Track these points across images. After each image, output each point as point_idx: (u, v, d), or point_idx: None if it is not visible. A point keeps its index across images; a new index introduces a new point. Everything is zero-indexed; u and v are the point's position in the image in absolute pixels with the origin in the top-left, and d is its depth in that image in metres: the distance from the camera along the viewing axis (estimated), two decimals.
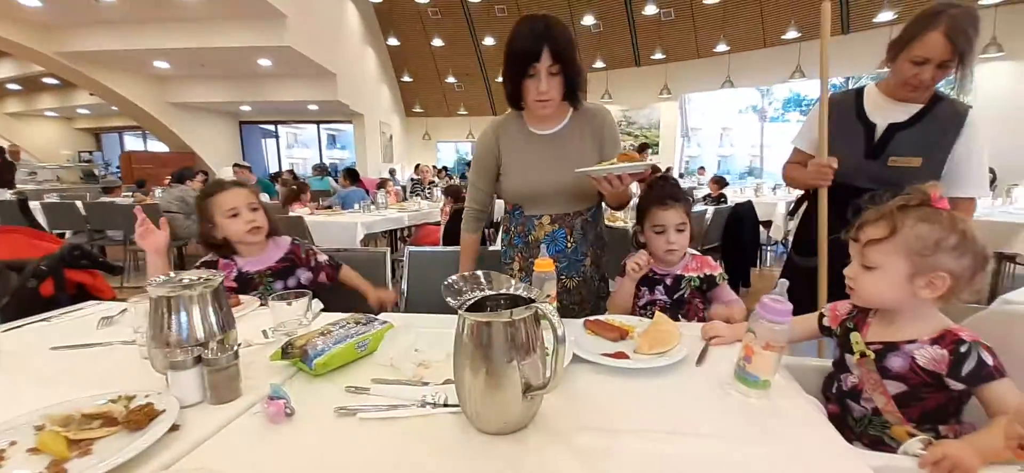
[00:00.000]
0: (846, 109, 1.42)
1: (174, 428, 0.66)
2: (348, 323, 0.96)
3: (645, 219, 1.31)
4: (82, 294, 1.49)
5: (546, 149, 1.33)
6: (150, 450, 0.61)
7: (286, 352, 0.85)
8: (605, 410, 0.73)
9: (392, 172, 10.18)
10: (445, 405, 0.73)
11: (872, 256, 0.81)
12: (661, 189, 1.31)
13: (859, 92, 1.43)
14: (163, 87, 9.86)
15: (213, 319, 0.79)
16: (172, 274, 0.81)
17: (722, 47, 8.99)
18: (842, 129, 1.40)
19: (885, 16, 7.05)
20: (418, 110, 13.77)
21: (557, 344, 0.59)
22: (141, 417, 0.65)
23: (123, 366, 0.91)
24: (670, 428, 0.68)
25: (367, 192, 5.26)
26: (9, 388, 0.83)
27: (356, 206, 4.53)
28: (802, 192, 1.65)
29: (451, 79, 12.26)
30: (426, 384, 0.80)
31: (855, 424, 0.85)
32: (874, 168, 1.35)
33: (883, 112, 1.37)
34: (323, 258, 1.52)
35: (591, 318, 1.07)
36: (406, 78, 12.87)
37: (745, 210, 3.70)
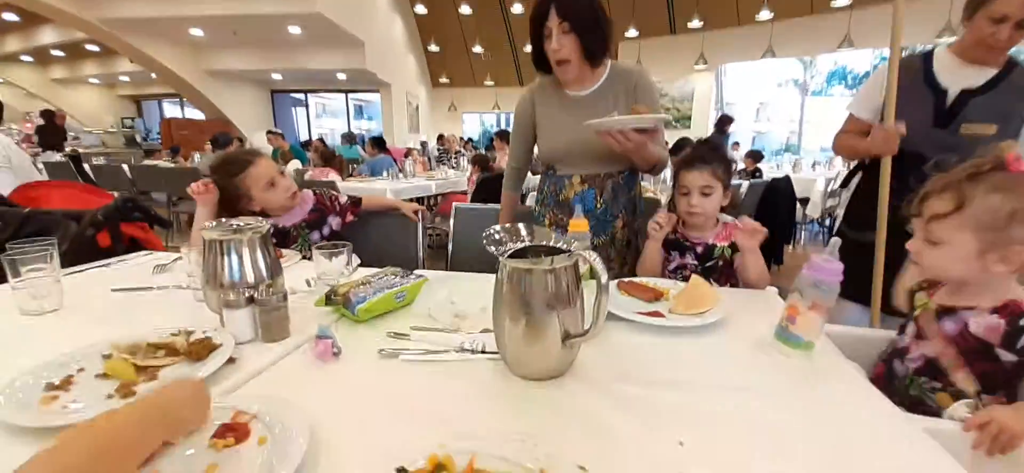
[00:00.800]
0: (913, 73, 1.33)
1: (231, 361, 0.70)
2: (387, 275, 0.99)
3: (676, 182, 1.29)
4: (134, 247, 1.58)
5: (578, 110, 1.33)
6: (211, 378, 0.65)
7: (330, 299, 0.88)
8: (642, 364, 0.73)
9: (424, 144, 10.26)
10: (483, 352, 0.74)
11: (937, 231, 0.77)
12: (693, 151, 1.28)
13: (927, 55, 1.34)
14: (198, 55, 10.07)
15: (262, 264, 0.82)
16: (223, 220, 0.84)
17: (765, 14, 8.51)
18: (908, 94, 1.30)
19: None
20: (444, 81, 13.66)
21: (600, 291, 0.60)
22: (201, 349, 0.69)
23: (178, 308, 0.96)
24: (709, 383, 0.68)
25: (395, 160, 5.32)
26: (74, 324, 0.90)
27: (385, 173, 4.60)
28: (855, 163, 1.57)
29: (478, 49, 12.08)
30: (465, 334, 0.82)
31: (897, 383, 0.83)
32: (943, 136, 1.27)
33: (955, 76, 1.28)
34: (344, 199, 1.62)
35: (625, 279, 1.06)
36: (433, 48, 12.74)
37: (782, 185, 3.57)
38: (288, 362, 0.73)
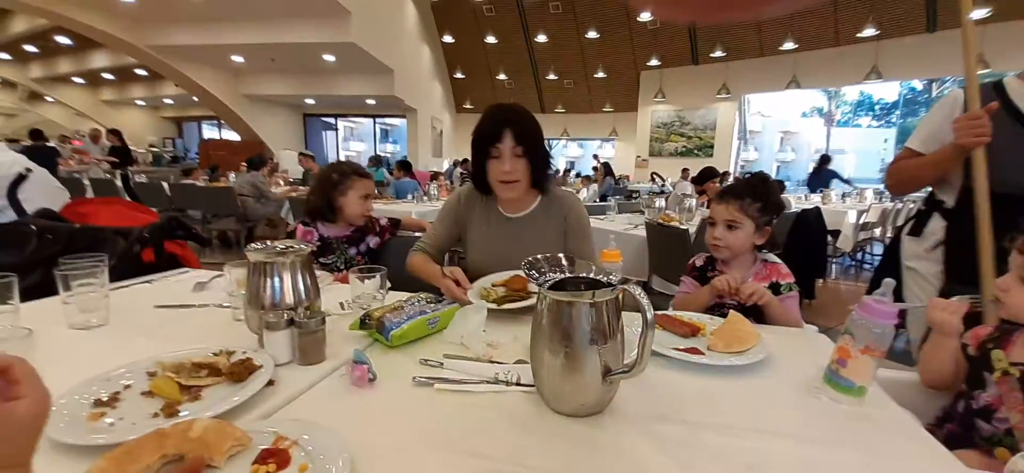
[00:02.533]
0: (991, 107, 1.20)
1: (270, 383, 0.70)
2: (419, 300, 0.99)
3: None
4: (172, 263, 1.63)
5: (512, 231, 1.35)
6: (250, 400, 0.65)
7: (364, 323, 0.89)
8: (682, 403, 0.71)
9: (456, 162, 10.52)
10: (518, 384, 0.73)
11: None
12: (729, 185, 1.28)
13: (998, 87, 1.26)
14: (237, 80, 10.59)
15: (302, 286, 0.84)
16: (268, 243, 0.86)
17: (789, 45, 8.49)
18: (994, 129, 1.17)
19: (978, 13, 6.38)
20: (468, 106, 13.99)
21: (645, 328, 0.58)
22: (242, 370, 0.70)
23: (218, 326, 0.99)
24: (753, 427, 0.65)
25: (419, 184, 5.42)
26: (121, 339, 0.92)
27: (409, 196, 4.68)
28: (923, 200, 1.43)
29: (502, 76, 12.35)
30: (497, 363, 0.81)
31: (983, 443, 0.78)
32: None
33: None
34: (384, 221, 1.74)
35: (659, 312, 1.04)
36: (458, 75, 13.10)
37: (812, 216, 3.47)
38: (324, 386, 0.73)
